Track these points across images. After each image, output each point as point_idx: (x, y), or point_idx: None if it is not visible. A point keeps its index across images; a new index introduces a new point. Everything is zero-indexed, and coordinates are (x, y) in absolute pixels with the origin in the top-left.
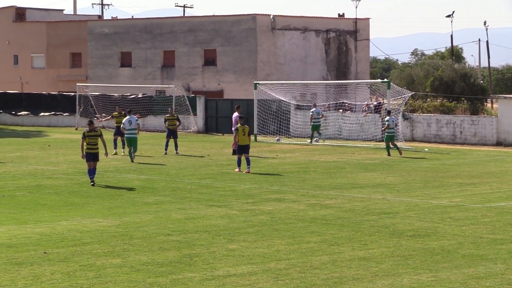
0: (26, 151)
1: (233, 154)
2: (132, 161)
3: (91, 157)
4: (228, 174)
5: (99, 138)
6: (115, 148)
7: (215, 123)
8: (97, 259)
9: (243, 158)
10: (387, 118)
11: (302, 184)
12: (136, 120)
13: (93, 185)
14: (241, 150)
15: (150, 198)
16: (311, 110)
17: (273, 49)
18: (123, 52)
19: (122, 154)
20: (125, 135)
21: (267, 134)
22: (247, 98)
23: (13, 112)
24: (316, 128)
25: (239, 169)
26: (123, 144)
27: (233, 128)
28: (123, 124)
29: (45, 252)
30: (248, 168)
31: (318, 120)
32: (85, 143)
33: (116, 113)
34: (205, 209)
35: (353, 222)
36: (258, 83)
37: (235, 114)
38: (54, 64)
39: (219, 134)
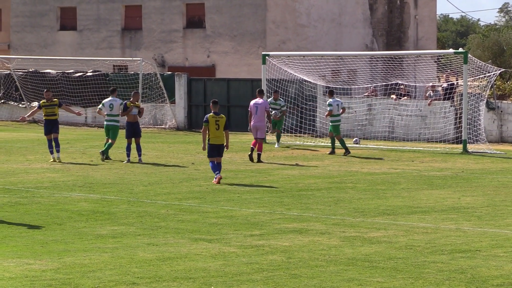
0: None
1: (251, 159)
2: (103, 160)
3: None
4: (223, 191)
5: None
6: (52, 153)
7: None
8: None
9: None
10: (330, 101)
11: (334, 208)
12: (121, 103)
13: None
14: (214, 151)
15: (105, 229)
16: (328, 102)
17: (291, 4)
18: (63, 8)
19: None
20: (105, 122)
21: (282, 132)
22: (251, 78)
23: None
24: (336, 129)
25: (218, 174)
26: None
27: (251, 124)
28: (102, 106)
29: None
30: (218, 174)
31: (338, 117)
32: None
33: (45, 100)
34: (187, 245)
35: (411, 265)
36: (267, 55)
37: (256, 101)
38: None
39: None
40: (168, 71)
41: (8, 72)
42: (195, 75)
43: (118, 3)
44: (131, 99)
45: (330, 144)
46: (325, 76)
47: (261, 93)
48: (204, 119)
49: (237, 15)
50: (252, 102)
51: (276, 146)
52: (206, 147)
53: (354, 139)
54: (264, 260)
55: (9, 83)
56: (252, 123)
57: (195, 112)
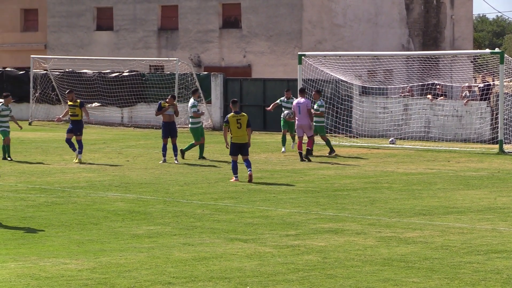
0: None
1: (303, 159)
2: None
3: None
4: (259, 191)
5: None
6: (74, 150)
7: None
8: None
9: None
10: (319, 102)
11: (370, 208)
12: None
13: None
14: (237, 150)
15: (141, 228)
16: (319, 103)
17: (327, 4)
18: (100, 8)
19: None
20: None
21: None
22: (287, 77)
23: None
24: (321, 130)
25: (236, 177)
26: None
27: (297, 121)
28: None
29: None
30: (250, 170)
31: (323, 118)
32: None
33: (69, 101)
34: (223, 245)
35: (447, 265)
36: (304, 55)
37: (298, 101)
38: None
39: None
40: (204, 71)
41: (45, 72)
42: (231, 75)
43: (155, 3)
44: (167, 100)
45: (329, 146)
46: (361, 76)
47: (302, 92)
48: (225, 119)
49: (273, 15)
50: (294, 102)
51: (283, 150)
52: (229, 146)
53: (390, 139)
54: (300, 260)
55: (46, 83)
56: (296, 123)
57: (230, 112)
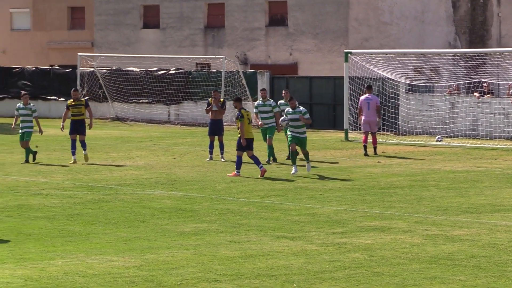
0: (3, 155)
1: (366, 155)
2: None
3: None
4: (305, 190)
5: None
6: (73, 154)
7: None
8: None
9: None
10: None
11: (417, 206)
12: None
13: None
14: (247, 145)
15: (188, 226)
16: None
17: (374, 1)
18: (146, 6)
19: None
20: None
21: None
22: (334, 75)
23: None
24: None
25: (238, 172)
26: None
27: (364, 116)
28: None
29: None
30: (262, 166)
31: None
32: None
33: (71, 100)
34: (270, 243)
35: (494, 263)
36: (350, 53)
37: (367, 97)
38: (44, 25)
39: None
40: (250, 69)
41: (92, 70)
42: (278, 73)
43: (201, 1)
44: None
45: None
46: (407, 73)
47: (369, 89)
48: (240, 115)
49: (320, 13)
50: (362, 98)
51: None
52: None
53: (437, 137)
54: (346, 258)
55: (93, 81)
56: (364, 118)
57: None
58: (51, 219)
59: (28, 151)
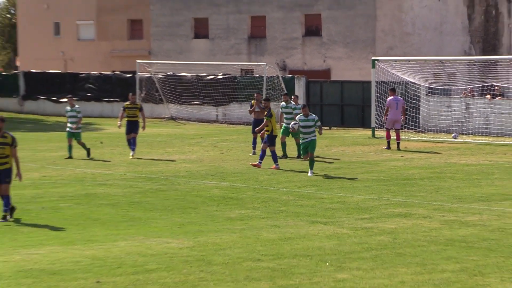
0: (72, 150)
1: (388, 148)
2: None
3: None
4: (336, 181)
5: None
6: (132, 150)
7: (319, 113)
8: None
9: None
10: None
11: (435, 195)
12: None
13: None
14: (274, 141)
15: (234, 212)
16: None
17: (398, 14)
18: (197, 18)
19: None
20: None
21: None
22: (362, 80)
23: (55, 99)
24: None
25: (277, 165)
26: None
27: (388, 117)
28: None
29: (98, 281)
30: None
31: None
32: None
33: (128, 103)
34: (306, 227)
35: (503, 245)
36: (377, 60)
37: (396, 98)
38: (107, 35)
39: (325, 127)
40: (288, 74)
41: (149, 75)
42: (313, 78)
43: (245, 14)
44: (255, 96)
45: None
46: (427, 78)
47: (393, 91)
48: (269, 113)
49: (350, 24)
50: (390, 99)
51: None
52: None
53: (453, 134)
54: (373, 240)
55: (150, 85)
56: (390, 116)
57: (312, 110)
58: (114, 206)
59: (70, 149)
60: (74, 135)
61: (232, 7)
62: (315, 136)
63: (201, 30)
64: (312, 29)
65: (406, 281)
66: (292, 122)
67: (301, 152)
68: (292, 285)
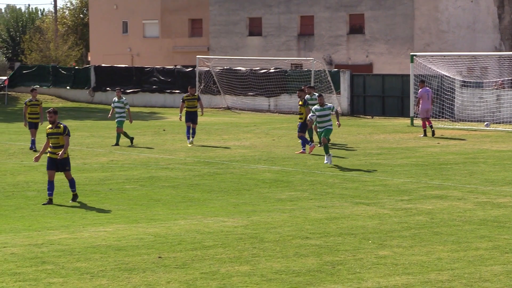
0: (137, 137)
1: (425, 135)
2: None
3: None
4: (378, 165)
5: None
6: (188, 138)
7: (362, 104)
8: (221, 265)
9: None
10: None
11: (469, 179)
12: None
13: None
14: (306, 128)
15: (284, 194)
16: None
17: (434, 14)
18: (251, 18)
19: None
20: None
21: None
22: (402, 73)
23: (122, 90)
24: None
25: (304, 149)
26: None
27: (421, 107)
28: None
29: (159, 257)
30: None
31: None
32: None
33: (188, 94)
34: (350, 208)
35: None
36: (415, 55)
37: (427, 89)
38: (170, 33)
39: (368, 116)
40: (334, 68)
41: (208, 69)
42: (356, 72)
43: (295, 14)
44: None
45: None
46: (461, 72)
47: (423, 82)
48: (306, 103)
49: (391, 23)
50: (422, 90)
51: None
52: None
53: (486, 123)
54: (412, 220)
55: (208, 78)
56: (423, 106)
57: (356, 101)
58: (175, 188)
59: (119, 136)
60: (117, 123)
61: (283, 7)
62: (331, 125)
63: (255, 28)
64: (356, 27)
65: (443, 257)
66: (310, 115)
67: (320, 137)
68: (337, 261)
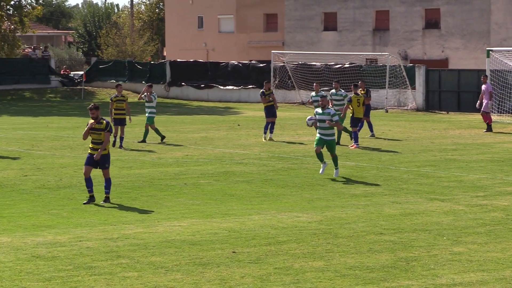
0: (212, 132)
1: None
2: None
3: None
4: (453, 161)
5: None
6: (265, 133)
7: (437, 99)
8: (295, 261)
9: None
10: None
11: None
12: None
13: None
14: (357, 123)
15: (359, 189)
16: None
17: (511, 8)
18: (326, 12)
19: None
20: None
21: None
22: (478, 68)
23: (197, 85)
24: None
25: (356, 144)
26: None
27: (486, 99)
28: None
29: (234, 252)
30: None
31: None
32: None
33: (264, 90)
34: (424, 204)
35: None
36: (491, 50)
37: (488, 84)
38: (245, 28)
39: (443, 112)
40: (409, 64)
41: (283, 64)
42: (432, 67)
43: (371, 9)
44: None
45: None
46: None
47: (486, 77)
48: (350, 99)
49: (467, 18)
50: (485, 86)
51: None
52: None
53: None
54: (487, 216)
55: (283, 73)
56: (487, 101)
57: (431, 97)
58: (249, 183)
59: (147, 133)
60: (147, 119)
61: (358, 2)
62: (334, 136)
63: (330, 23)
64: (432, 22)
65: None
66: (308, 118)
67: (315, 145)
68: (411, 257)
